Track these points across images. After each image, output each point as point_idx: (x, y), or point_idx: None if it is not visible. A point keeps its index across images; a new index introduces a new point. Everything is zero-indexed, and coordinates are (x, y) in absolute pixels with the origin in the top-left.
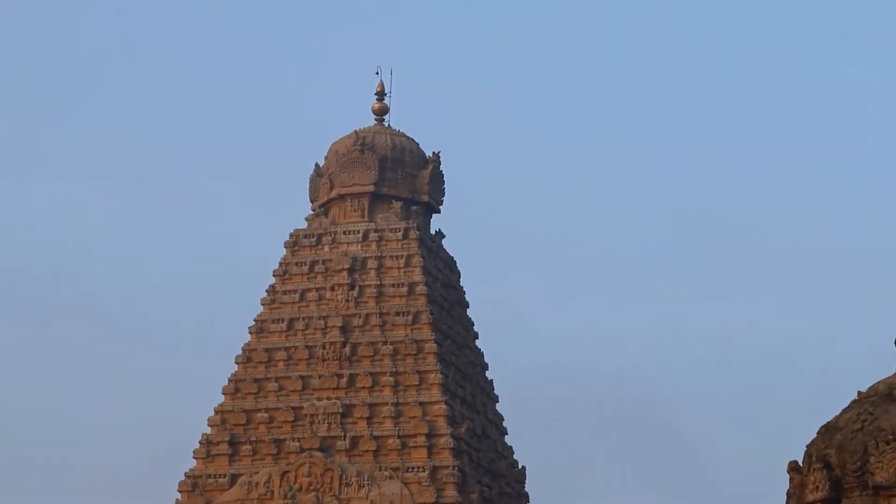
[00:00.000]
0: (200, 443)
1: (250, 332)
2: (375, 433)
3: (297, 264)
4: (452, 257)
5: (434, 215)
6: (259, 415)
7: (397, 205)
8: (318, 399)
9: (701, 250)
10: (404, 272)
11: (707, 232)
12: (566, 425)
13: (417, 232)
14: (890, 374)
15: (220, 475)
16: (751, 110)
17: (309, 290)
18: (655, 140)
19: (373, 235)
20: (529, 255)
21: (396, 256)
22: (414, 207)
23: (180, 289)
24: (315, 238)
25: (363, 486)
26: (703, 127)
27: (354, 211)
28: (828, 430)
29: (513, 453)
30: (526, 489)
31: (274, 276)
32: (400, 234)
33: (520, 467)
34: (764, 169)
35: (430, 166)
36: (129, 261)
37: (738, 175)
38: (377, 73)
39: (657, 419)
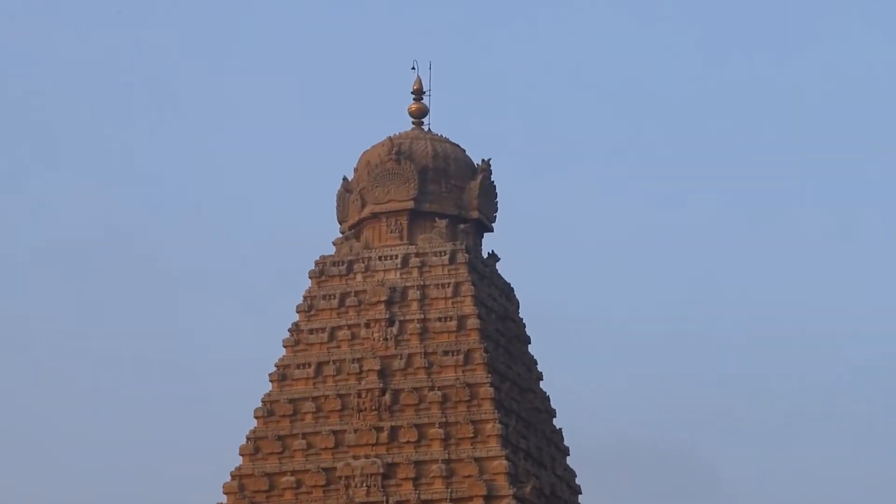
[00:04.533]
0: None
1: (271, 381)
2: (423, 496)
3: (324, 298)
4: (509, 284)
5: (486, 234)
6: (284, 479)
7: (442, 223)
8: (355, 458)
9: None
10: (452, 303)
11: None
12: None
13: (466, 255)
14: None
15: None
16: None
17: (340, 327)
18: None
19: (414, 261)
20: (597, 274)
21: (442, 285)
22: (462, 226)
23: (189, 332)
24: (345, 266)
25: None
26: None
27: (391, 232)
28: None
29: None
30: None
31: (298, 312)
32: (446, 259)
33: None
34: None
35: (480, 177)
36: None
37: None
38: (414, 69)
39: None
